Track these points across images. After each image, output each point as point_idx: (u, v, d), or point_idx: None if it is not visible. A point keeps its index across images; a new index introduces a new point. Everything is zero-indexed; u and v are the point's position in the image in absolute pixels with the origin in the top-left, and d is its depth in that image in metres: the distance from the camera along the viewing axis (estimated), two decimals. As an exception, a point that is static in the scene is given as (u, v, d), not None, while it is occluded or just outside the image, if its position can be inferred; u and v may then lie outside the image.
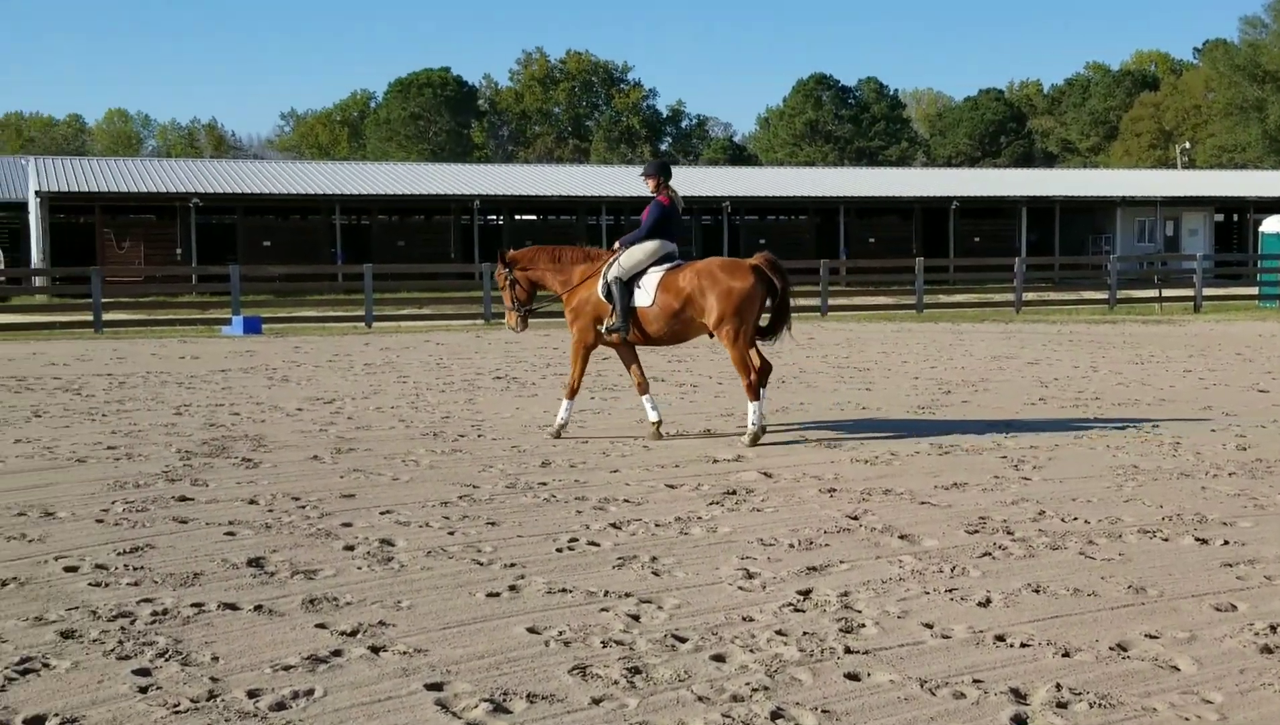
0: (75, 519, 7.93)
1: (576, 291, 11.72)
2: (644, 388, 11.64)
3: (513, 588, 6.32)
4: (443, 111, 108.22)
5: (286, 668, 5.13)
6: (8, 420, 12.65)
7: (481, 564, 6.81)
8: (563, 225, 59.84)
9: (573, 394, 11.65)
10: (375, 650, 5.34)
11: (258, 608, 5.96)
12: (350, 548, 7.18)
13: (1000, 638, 5.54)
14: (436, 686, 4.92)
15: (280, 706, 4.72)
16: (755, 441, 10.91)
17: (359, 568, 6.74)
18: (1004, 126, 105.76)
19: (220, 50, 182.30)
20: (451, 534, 7.54)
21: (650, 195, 11.78)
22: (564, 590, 6.27)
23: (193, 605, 5.98)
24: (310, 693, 4.85)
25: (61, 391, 15.47)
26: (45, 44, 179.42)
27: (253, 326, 27.28)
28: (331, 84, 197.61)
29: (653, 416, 11.49)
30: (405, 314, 31.50)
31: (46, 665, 5.13)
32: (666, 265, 11.46)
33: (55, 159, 57.20)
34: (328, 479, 9.36)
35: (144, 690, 4.86)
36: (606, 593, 6.22)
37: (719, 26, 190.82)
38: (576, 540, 7.35)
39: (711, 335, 11.55)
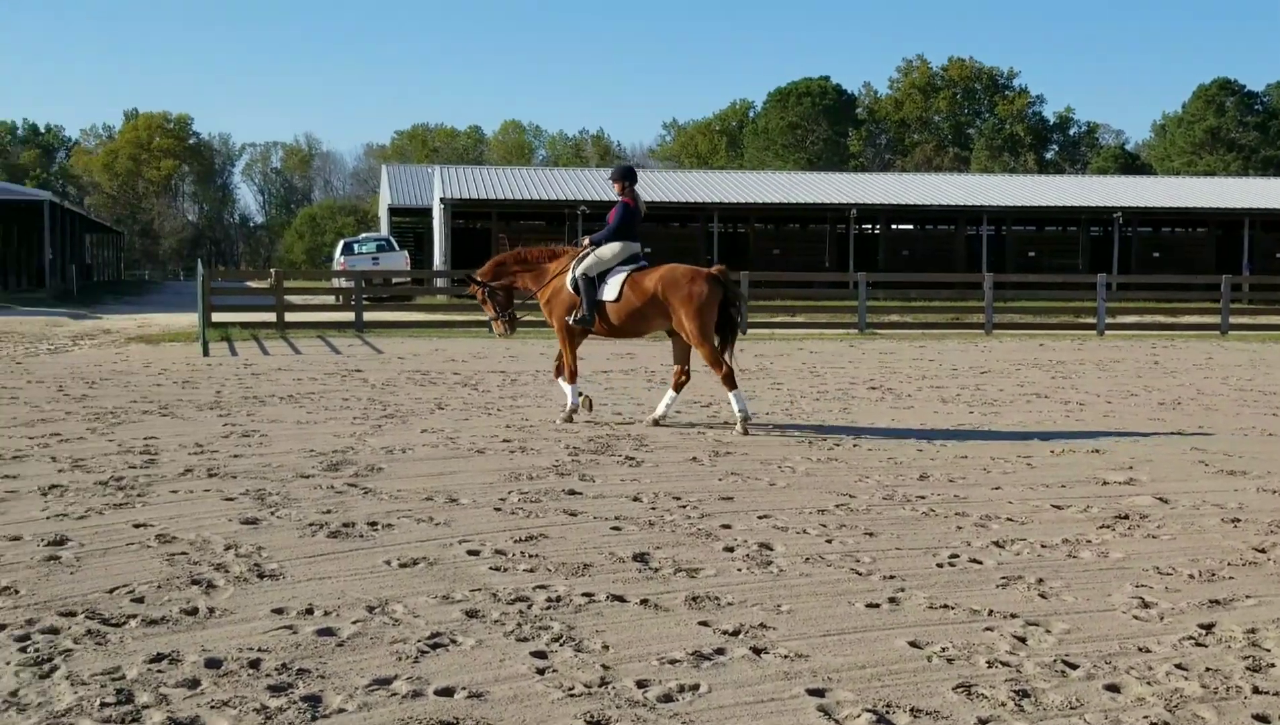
0: (476, 506, 8.43)
1: (549, 286, 12.93)
2: (573, 378, 12.87)
3: (893, 600, 6.26)
4: (820, 120, 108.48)
5: (672, 661, 5.27)
6: (414, 411, 13.61)
7: (860, 574, 6.77)
8: (941, 235, 58.84)
9: (572, 378, 12.87)
10: (757, 651, 5.41)
11: (644, 601, 6.15)
12: (730, 549, 7.31)
13: None
14: (818, 692, 4.93)
15: (667, 698, 4.86)
16: (746, 425, 12.09)
17: (739, 569, 6.84)
18: None
19: (608, 63, 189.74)
20: (829, 542, 7.54)
21: (616, 198, 13.02)
22: (945, 606, 6.15)
23: (583, 594, 6.25)
24: (695, 688, 4.97)
25: (460, 386, 16.51)
26: (450, 60, 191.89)
27: (633, 330, 28.14)
28: (712, 94, 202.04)
29: (570, 401, 12.77)
30: (779, 322, 31.77)
31: (454, 641, 5.48)
32: (632, 266, 12.65)
33: (457, 168, 61.04)
34: (707, 481, 9.56)
35: (541, 672, 5.11)
36: (991, 612, 6.06)
37: (1111, 29, 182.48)
38: (958, 556, 7.20)
39: (670, 333, 12.69)
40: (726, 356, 12.44)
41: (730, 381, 12.34)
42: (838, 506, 8.61)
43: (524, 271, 13.22)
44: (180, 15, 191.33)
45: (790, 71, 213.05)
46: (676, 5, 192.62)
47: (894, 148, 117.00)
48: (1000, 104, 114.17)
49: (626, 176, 13.06)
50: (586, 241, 12.94)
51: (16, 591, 6.12)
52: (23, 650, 5.23)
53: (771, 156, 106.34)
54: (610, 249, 12.70)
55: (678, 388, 12.80)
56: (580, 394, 13.06)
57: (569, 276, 12.73)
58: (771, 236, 57.07)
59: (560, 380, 13.07)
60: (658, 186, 55.36)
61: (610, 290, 12.51)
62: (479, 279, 13.37)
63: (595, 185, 53.90)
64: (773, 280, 37.09)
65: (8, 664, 5.06)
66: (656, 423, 12.54)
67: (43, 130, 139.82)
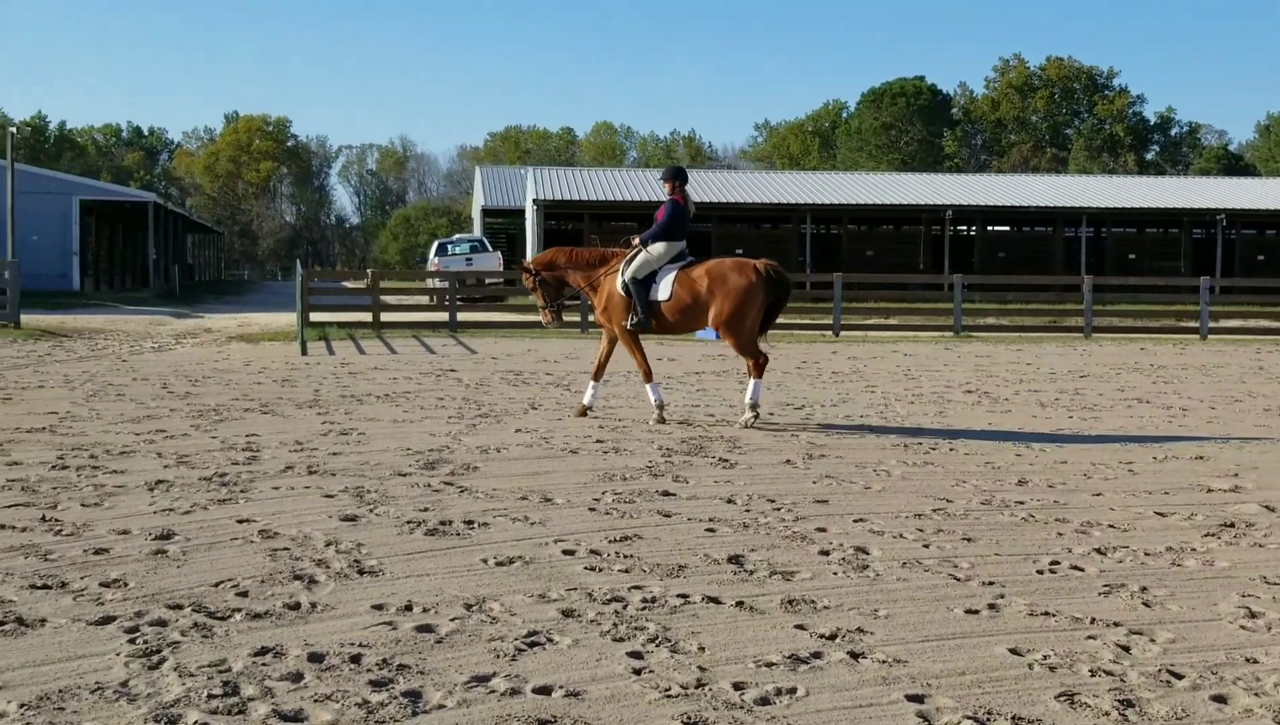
0: (570, 506, 8.47)
1: (602, 288, 13.18)
2: (649, 377, 13.11)
3: (992, 606, 6.18)
4: (915, 121, 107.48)
5: (769, 664, 5.26)
6: (508, 411, 13.72)
7: (959, 579, 6.70)
8: (1038, 237, 58.07)
9: (648, 377, 13.13)
10: (855, 656, 5.37)
11: (739, 603, 6.14)
12: (825, 553, 7.26)
13: None
14: (917, 698, 4.89)
15: (764, 701, 4.85)
16: (755, 413, 12.58)
17: (834, 573, 6.80)
18: None
19: (700, 64, 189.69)
20: (926, 547, 7.46)
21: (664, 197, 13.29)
22: (1047, 614, 6.06)
23: (679, 596, 6.25)
24: (793, 691, 4.95)
25: (553, 386, 16.60)
26: (543, 63, 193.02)
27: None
28: (804, 95, 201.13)
29: (588, 399, 13.25)
30: (872, 323, 31.55)
31: (551, 640, 5.51)
32: (680, 263, 12.93)
33: (549, 169, 61.38)
34: (801, 483, 9.52)
35: (638, 672, 5.12)
36: (1093, 620, 5.95)
37: (1214, 29, 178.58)
38: (1058, 563, 7.09)
39: (715, 327, 12.87)
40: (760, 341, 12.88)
41: (758, 372, 12.74)
42: (935, 511, 8.52)
43: (575, 270, 13.49)
44: (279, 19, 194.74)
45: (884, 71, 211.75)
46: (770, 6, 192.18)
47: (990, 148, 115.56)
48: (1099, 104, 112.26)
49: (677, 176, 13.37)
50: (635, 241, 13.17)
51: (125, 584, 6.27)
52: (132, 642, 5.35)
53: (865, 157, 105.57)
54: (657, 248, 12.92)
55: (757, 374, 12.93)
56: (588, 397, 13.30)
57: (618, 280, 12.98)
58: (865, 238, 56.65)
59: (647, 387, 13.15)
60: (750, 187, 55.20)
61: (662, 290, 12.79)
62: (532, 268, 13.77)
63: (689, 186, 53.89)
64: (866, 282, 36.83)
65: (118, 654, 5.18)
66: (754, 412, 12.67)
67: (146, 133, 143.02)
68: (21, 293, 28.76)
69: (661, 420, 12.73)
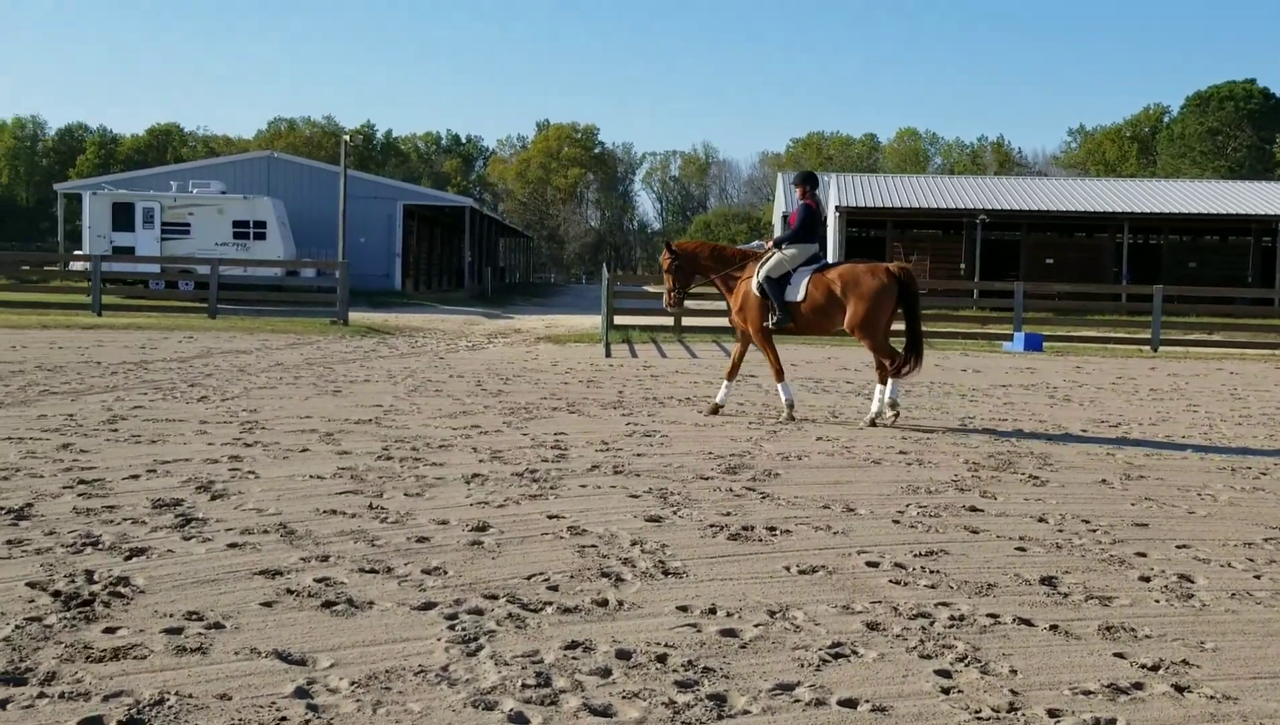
0: (874, 517, 8.35)
1: (738, 289, 13.53)
2: (781, 376, 13.63)
3: (1334, 647, 5.73)
4: (1244, 126, 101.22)
5: (1086, 692, 5.03)
6: (808, 418, 13.66)
7: (1295, 615, 6.24)
8: (1382, 249, 53.71)
9: (780, 376, 13.63)
10: (1179, 689, 5.07)
11: (1053, 627, 5.90)
12: (1146, 579, 6.91)
13: None
14: (1251, 740, 4.58)
15: (1081, 731, 4.64)
16: (895, 412, 12.93)
17: (1156, 600, 6.45)
18: None
19: (1009, 67, 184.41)
20: (1258, 578, 6.99)
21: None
22: (1398, 658, 5.57)
23: (988, 615, 6.06)
24: (1112, 722, 4.71)
25: (854, 395, 16.45)
26: (845, 68, 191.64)
27: (1034, 343, 27.27)
28: (1122, 99, 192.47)
29: (721, 398, 13.73)
30: (1193, 339, 29.90)
31: (855, 653, 5.43)
32: (815, 266, 13.25)
33: (851, 176, 60.91)
34: (1118, 505, 9.09)
35: (946, 691, 4.99)
36: None
37: None
38: None
39: (849, 329, 13.16)
40: (912, 355, 12.93)
41: (883, 376, 13.06)
42: (1266, 540, 7.98)
43: (715, 265, 13.85)
44: (589, 31, 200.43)
45: (1210, 74, 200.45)
46: (1087, 7, 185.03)
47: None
48: None
49: (808, 181, 13.66)
50: (769, 245, 13.62)
51: (445, 572, 6.55)
52: (451, 628, 5.58)
53: (1188, 164, 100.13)
54: (790, 250, 13.30)
55: (883, 379, 13.17)
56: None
57: (754, 282, 13.37)
58: (1188, 249, 53.84)
59: (779, 386, 13.66)
60: (1062, 195, 53.22)
61: (798, 291, 13.17)
62: (675, 249, 14.01)
63: (996, 193, 52.45)
64: (1188, 295, 34.87)
65: (439, 640, 5.41)
66: (873, 422, 13.02)
67: (464, 140, 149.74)
68: (349, 292, 30.58)
69: (791, 418, 13.26)
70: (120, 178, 54.39)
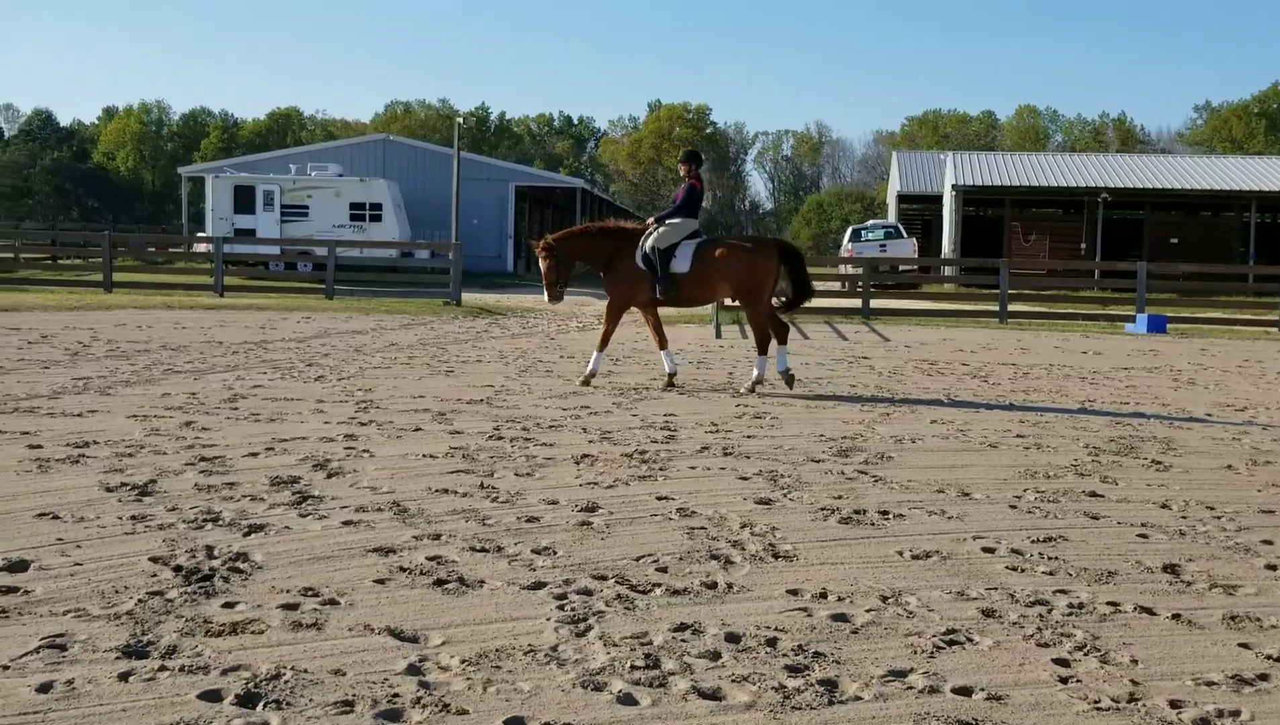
0: (990, 502, 8.20)
1: (615, 261, 13.95)
2: (663, 345, 14.36)
3: None
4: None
5: (1209, 683, 4.88)
6: (922, 401, 13.46)
7: None
8: None
9: (603, 347, 14.23)
10: (1309, 684, 4.90)
11: (1175, 616, 5.74)
12: (1273, 567, 6.69)
13: None
14: (1386, 738, 4.40)
15: (1204, 722, 4.50)
16: (753, 390, 13.57)
17: (1285, 591, 6.24)
18: None
19: (1132, 41, 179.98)
20: (1394, 570, 6.72)
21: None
22: None
23: (1108, 603, 5.91)
24: (1236, 714, 4.57)
25: (969, 377, 16.20)
26: (962, 46, 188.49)
27: (1157, 325, 26.61)
28: (1250, 75, 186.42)
29: (669, 367, 14.14)
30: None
31: (970, 640, 5.33)
32: (697, 240, 13.88)
33: (969, 154, 59.87)
34: (1244, 491, 8.82)
35: (1064, 680, 4.87)
36: None
37: None
38: None
39: (733, 299, 14.11)
40: (786, 318, 14.10)
41: (762, 349, 13.74)
42: (1403, 530, 7.68)
43: (589, 244, 14.21)
44: (701, 11, 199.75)
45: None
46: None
47: None
48: None
49: (692, 160, 14.27)
50: (651, 221, 14.14)
51: (555, 552, 6.57)
52: (561, 608, 5.60)
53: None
54: (674, 224, 13.86)
55: (781, 341, 13.93)
56: (671, 371, 14.12)
57: (638, 253, 13.83)
58: (1317, 227, 52.03)
59: (595, 354, 14.16)
60: (1187, 173, 51.80)
61: (682, 262, 13.71)
62: (551, 242, 14.20)
63: (1118, 171, 51.21)
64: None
65: (548, 620, 5.43)
66: (753, 389, 13.63)
67: (575, 122, 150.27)
68: (463, 273, 30.89)
69: (586, 383, 13.81)
70: (241, 161, 55.50)
